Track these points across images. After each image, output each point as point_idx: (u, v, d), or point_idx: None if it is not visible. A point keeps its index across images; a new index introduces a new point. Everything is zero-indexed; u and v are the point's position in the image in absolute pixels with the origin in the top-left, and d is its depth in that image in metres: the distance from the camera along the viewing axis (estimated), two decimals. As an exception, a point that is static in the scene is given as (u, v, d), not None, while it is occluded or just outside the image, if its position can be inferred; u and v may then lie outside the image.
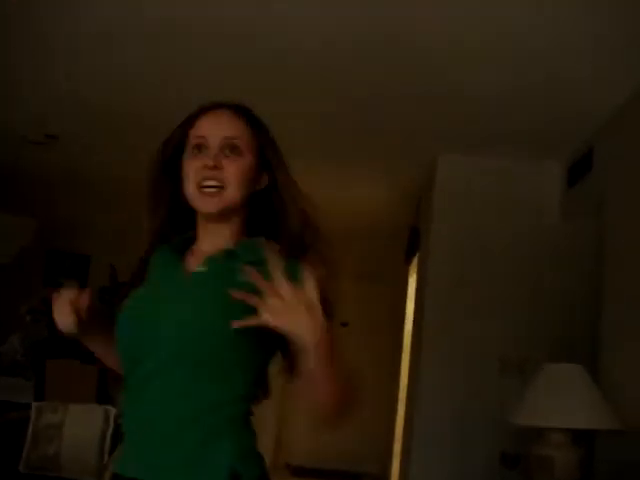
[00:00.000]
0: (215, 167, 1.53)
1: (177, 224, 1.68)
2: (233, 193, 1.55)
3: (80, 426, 3.85)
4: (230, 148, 1.56)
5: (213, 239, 1.59)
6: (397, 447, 6.80)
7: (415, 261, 6.52)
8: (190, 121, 1.62)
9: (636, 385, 3.63)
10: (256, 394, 1.52)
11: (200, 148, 1.56)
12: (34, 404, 4.04)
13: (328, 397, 1.45)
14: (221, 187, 1.53)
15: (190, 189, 1.56)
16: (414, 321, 6.05)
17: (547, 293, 5.25)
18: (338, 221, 8.09)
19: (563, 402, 3.53)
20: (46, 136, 6.09)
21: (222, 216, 1.57)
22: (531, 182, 5.38)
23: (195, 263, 1.57)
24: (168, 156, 1.63)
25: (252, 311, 1.32)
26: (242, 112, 1.63)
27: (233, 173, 1.54)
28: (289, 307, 1.31)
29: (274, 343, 1.48)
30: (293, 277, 1.34)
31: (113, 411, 3.94)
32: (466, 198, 5.42)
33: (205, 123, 1.58)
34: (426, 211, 5.89)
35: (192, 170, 1.55)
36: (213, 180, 1.53)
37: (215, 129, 1.56)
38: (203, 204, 1.55)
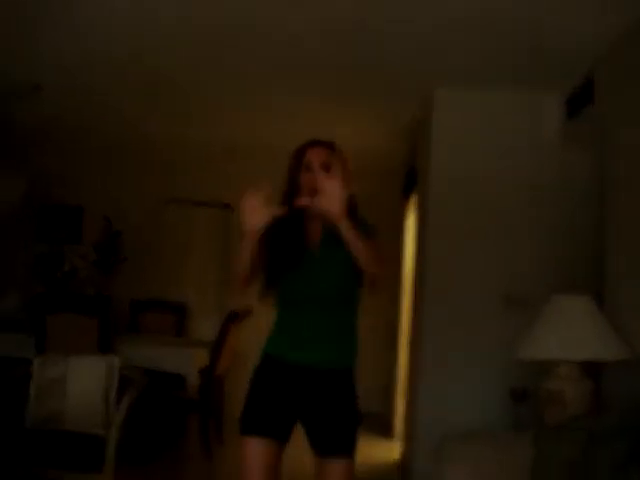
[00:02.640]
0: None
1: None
2: None
3: (84, 378, 3.80)
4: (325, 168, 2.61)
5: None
6: (400, 386, 6.82)
7: (413, 199, 6.44)
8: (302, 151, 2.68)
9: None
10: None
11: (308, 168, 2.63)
12: (36, 358, 3.98)
13: (367, 266, 2.52)
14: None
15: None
16: (416, 260, 6.00)
17: (549, 226, 5.20)
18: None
19: (572, 334, 3.49)
20: (32, 87, 5.94)
21: None
22: (530, 115, 5.27)
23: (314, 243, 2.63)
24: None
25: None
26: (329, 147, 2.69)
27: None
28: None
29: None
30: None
31: (116, 361, 3.88)
32: (464, 133, 5.31)
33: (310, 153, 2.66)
34: (423, 149, 5.79)
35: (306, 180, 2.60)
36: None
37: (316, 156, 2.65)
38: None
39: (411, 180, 6.42)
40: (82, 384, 3.82)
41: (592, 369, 3.75)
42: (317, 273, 2.53)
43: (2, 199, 6.35)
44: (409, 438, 5.54)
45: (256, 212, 2.42)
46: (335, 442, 2.51)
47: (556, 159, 5.21)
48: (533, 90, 5.19)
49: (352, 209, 2.52)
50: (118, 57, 5.23)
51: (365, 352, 8.30)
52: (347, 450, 2.52)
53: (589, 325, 3.51)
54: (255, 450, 2.46)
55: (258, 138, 7.29)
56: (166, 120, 6.97)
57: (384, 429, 7.37)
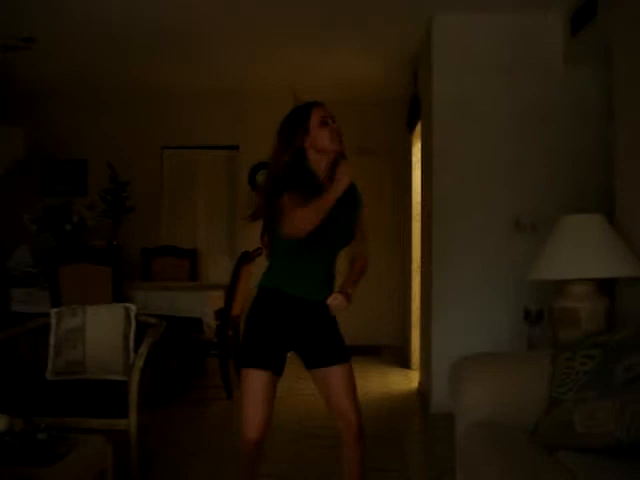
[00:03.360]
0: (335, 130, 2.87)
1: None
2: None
3: (102, 327, 3.83)
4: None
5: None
6: (415, 317, 6.87)
7: (418, 130, 6.37)
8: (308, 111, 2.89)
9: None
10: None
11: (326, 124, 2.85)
12: (53, 310, 4.01)
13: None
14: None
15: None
16: (423, 190, 5.97)
17: (556, 148, 5.16)
18: (334, 93, 7.90)
19: (585, 252, 3.49)
20: (22, 39, 5.86)
21: None
22: (532, 34, 5.19)
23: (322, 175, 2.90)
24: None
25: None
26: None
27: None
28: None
29: None
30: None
31: (133, 308, 3.91)
32: (465, 57, 5.24)
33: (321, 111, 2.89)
34: (425, 77, 5.71)
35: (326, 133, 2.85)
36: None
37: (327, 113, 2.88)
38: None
39: (415, 109, 6.35)
40: (101, 332, 3.85)
41: (606, 287, 3.76)
42: (332, 221, 2.76)
43: (3, 154, 6.31)
44: (426, 366, 5.60)
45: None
46: (334, 353, 2.86)
47: (561, 79, 5.14)
48: (535, 9, 5.08)
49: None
50: (116, 10, 5.17)
51: (380, 288, 8.42)
52: (346, 357, 2.87)
53: (602, 243, 3.50)
54: (256, 382, 2.71)
55: (258, 79, 7.19)
56: (166, 68, 6.90)
57: (402, 361, 7.46)
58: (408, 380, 6.61)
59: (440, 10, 5.17)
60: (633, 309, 3.69)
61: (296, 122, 2.87)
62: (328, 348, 2.87)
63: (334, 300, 2.78)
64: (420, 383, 6.09)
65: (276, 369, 2.76)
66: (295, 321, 2.82)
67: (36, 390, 3.76)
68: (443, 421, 4.71)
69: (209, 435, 4.68)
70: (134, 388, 3.56)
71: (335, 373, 2.83)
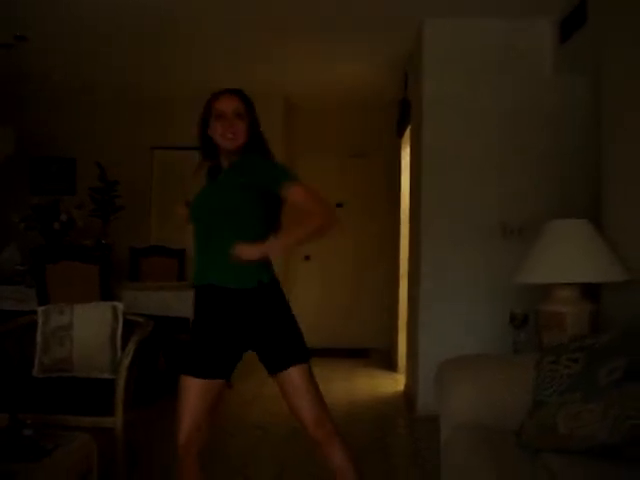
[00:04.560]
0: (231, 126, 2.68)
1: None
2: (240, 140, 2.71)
3: (89, 325, 3.83)
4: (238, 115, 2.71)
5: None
6: (402, 321, 6.89)
7: (407, 133, 6.40)
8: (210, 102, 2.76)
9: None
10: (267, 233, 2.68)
11: (220, 117, 2.70)
12: (40, 308, 4.01)
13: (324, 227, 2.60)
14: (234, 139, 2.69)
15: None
16: (411, 194, 6.00)
17: (544, 154, 5.20)
18: (324, 97, 7.91)
19: (570, 257, 3.52)
20: (15, 37, 5.85)
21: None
22: (522, 40, 5.23)
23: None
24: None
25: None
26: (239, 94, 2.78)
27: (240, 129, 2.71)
28: None
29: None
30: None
31: (120, 306, 3.91)
32: (455, 62, 5.28)
33: (221, 102, 2.73)
34: (415, 81, 5.74)
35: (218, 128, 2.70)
36: (230, 134, 2.69)
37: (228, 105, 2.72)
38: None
39: (405, 113, 6.38)
40: (88, 331, 3.85)
41: (590, 291, 3.79)
42: (214, 196, 2.67)
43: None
44: (412, 369, 5.63)
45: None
46: (286, 354, 2.62)
47: (550, 84, 5.18)
48: (525, 15, 5.13)
49: (261, 147, 2.73)
50: (105, 9, 5.17)
51: (367, 292, 8.45)
52: (298, 359, 2.63)
53: (587, 248, 3.53)
54: (190, 391, 2.62)
55: (249, 81, 7.19)
56: (154, 69, 6.90)
57: (389, 364, 7.48)
58: (395, 383, 6.63)
59: (431, 15, 5.21)
60: (617, 313, 3.72)
61: (203, 111, 2.77)
62: (279, 346, 2.62)
63: (237, 249, 2.51)
64: (406, 386, 6.11)
65: (212, 374, 2.61)
66: (222, 315, 2.61)
67: (23, 387, 3.75)
68: (429, 423, 4.72)
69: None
70: (121, 386, 3.56)
71: (287, 377, 2.62)
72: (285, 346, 2.63)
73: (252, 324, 2.60)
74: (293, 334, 2.66)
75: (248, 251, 2.50)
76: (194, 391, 2.61)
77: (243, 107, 2.72)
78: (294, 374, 2.61)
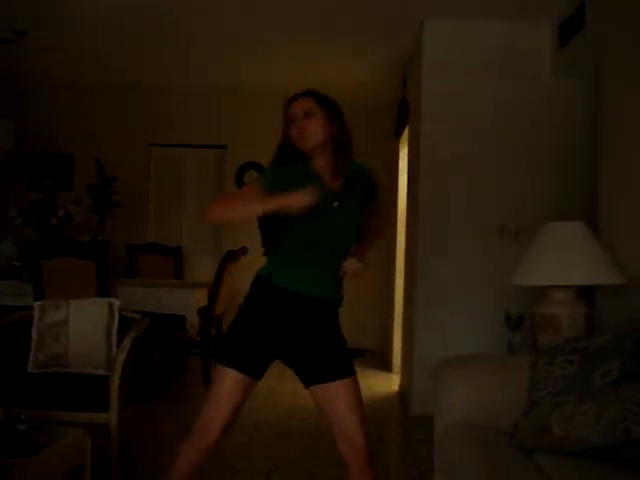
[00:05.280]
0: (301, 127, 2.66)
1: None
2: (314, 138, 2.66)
3: (85, 321, 3.82)
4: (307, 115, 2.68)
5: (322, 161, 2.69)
6: (398, 322, 6.90)
7: (405, 135, 6.41)
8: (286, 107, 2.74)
9: (636, 240, 3.62)
10: None
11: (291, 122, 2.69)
12: (36, 303, 3.99)
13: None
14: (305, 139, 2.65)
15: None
16: (408, 194, 6.00)
17: (542, 157, 5.20)
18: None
19: (566, 259, 3.53)
20: (14, 32, 5.85)
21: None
22: (521, 42, 5.25)
23: (327, 176, 2.67)
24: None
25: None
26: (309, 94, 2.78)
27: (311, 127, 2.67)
28: None
29: None
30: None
31: (116, 303, 3.91)
32: (455, 63, 5.29)
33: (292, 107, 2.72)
34: (414, 81, 5.74)
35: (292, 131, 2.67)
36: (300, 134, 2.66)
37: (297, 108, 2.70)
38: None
39: (403, 114, 6.38)
40: (84, 326, 3.84)
41: (586, 293, 3.80)
42: (338, 222, 2.60)
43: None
44: (407, 369, 5.63)
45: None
46: (338, 365, 2.57)
47: (548, 87, 5.19)
48: (524, 18, 5.14)
49: (347, 150, 2.72)
50: (106, 8, 5.17)
51: (363, 291, 8.44)
52: (351, 369, 2.60)
53: (583, 250, 3.54)
54: (228, 384, 2.51)
55: (248, 79, 7.21)
56: (154, 67, 6.91)
57: (383, 364, 7.49)
58: (390, 383, 6.64)
59: (430, 16, 5.22)
60: (612, 316, 3.73)
61: (283, 120, 2.76)
62: (330, 359, 2.56)
63: (352, 264, 2.57)
64: (401, 386, 6.12)
65: (255, 373, 2.53)
66: (293, 322, 2.53)
67: (17, 382, 3.75)
68: (423, 423, 4.73)
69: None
70: (116, 382, 3.56)
71: (338, 389, 2.53)
72: (338, 357, 2.60)
73: (325, 334, 2.59)
74: (346, 347, 2.66)
75: (359, 268, 2.63)
76: (240, 388, 2.51)
77: (314, 105, 2.71)
78: (351, 385, 2.57)
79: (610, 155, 3.94)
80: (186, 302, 5.56)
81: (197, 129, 7.80)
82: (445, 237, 5.26)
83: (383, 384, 6.61)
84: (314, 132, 2.64)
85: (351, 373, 2.58)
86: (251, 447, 4.46)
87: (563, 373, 2.59)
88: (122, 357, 3.60)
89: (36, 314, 3.91)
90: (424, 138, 5.31)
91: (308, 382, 2.57)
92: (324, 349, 2.57)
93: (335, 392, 2.53)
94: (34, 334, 3.88)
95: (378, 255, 8.21)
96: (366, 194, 2.74)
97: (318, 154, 2.66)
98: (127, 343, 3.65)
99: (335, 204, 2.58)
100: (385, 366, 7.38)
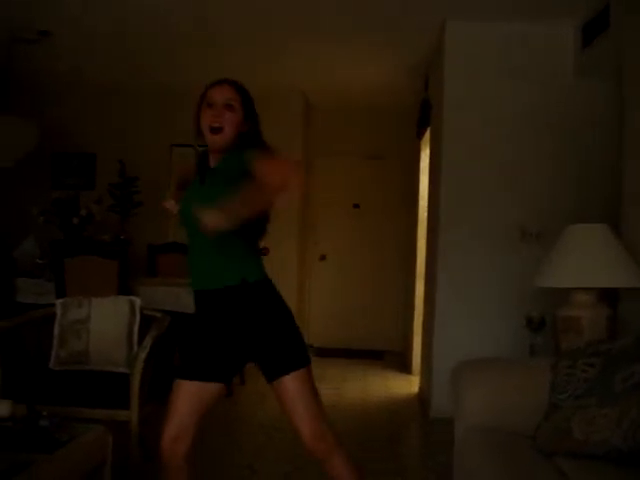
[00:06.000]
0: (219, 115, 2.51)
1: None
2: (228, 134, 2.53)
3: (107, 318, 3.85)
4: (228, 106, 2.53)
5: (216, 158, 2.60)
6: (417, 323, 6.88)
7: (427, 135, 6.39)
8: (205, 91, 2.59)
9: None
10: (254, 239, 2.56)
11: (211, 106, 2.53)
12: (58, 300, 4.03)
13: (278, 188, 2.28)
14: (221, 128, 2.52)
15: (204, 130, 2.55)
16: (430, 196, 5.99)
17: (565, 158, 5.17)
18: (344, 97, 7.91)
19: (589, 262, 3.51)
20: (38, 33, 5.90)
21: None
22: (544, 44, 5.21)
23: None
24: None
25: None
26: (234, 84, 2.60)
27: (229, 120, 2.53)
28: None
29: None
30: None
31: (138, 301, 3.93)
32: (477, 64, 5.26)
33: (213, 91, 2.56)
34: (436, 83, 5.73)
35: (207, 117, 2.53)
36: (217, 123, 2.52)
37: (219, 94, 2.54)
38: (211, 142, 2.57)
39: (425, 115, 6.37)
40: (105, 324, 3.87)
41: (609, 296, 3.77)
42: (198, 199, 2.44)
43: (16, 147, 6.34)
44: (427, 371, 5.61)
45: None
46: (273, 363, 2.46)
47: (570, 88, 5.16)
48: (548, 19, 5.10)
49: (255, 139, 2.54)
50: (133, 9, 5.21)
51: (382, 293, 8.43)
52: (293, 365, 2.45)
53: (606, 253, 3.52)
54: (182, 394, 2.50)
55: (266, 82, 7.23)
56: (175, 67, 6.94)
57: (402, 366, 7.47)
58: (409, 385, 6.62)
59: (453, 17, 5.19)
60: (634, 319, 3.70)
61: (198, 101, 2.60)
62: (271, 353, 2.45)
63: (206, 215, 2.21)
64: (420, 388, 6.10)
65: (206, 376, 2.49)
66: (210, 318, 2.51)
67: (39, 379, 3.78)
68: (443, 426, 4.72)
69: (209, 430, 4.71)
70: (136, 380, 3.58)
71: (281, 385, 2.45)
72: (278, 351, 2.45)
73: (239, 326, 2.46)
74: (288, 338, 2.47)
75: (214, 217, 2.19)
76: (182, 394, 2.49)
77: (237, 98, 2.54)
78: (289, 381, 2.44)
79: (632, 158, 3.90)
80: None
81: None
82: (466, 238, 5.24)
83: (402, 386, 6.59)
84: (230, 128, 2.50)
85: (294, 367, 2.43)
86: (270, 448, 4.46)
87: (585, 376, 2.57)
88: (143, 355, 3.62)
89: (58, 311, 3.95)
90: (446, 139, 5.29)
91: (267, 378, 2.51)
92: (255, 339, 2.45)
93: (280, 390, 2.46)
94: (56, 331, 3.91)
95: (398, 256, 8.22)
96: (239, 172, 2.39)
97: (214, 152, 2.57)
98: (148, 341, 3.67)
99: (197, 186, 2.57)
100: (404, 368, 7.37)
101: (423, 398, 5.75)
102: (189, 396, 2.49)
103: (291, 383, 2.43)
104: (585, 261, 3.50)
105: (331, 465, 2.53)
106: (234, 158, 2.46)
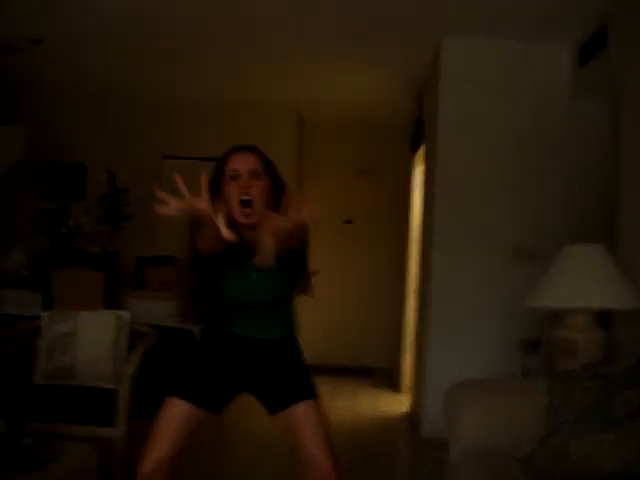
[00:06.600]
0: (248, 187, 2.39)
1: None
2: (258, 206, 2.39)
3: (94, 332, 3.78)
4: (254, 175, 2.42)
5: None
6: (408, 341, 6.83)
7: (420, 152, 6.37)
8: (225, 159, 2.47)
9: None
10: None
11: (235, 178, 2.42)
12: (44, 313, 3.96)
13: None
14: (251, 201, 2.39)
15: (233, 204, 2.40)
16: (423, 212, 5.95)
17: (559, 178, 5.15)
18: (338, 113, 7.89)
19: (584, 283, 3.46)
20: (29, 41, 5.85)
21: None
22: (540, 63, 5.20)
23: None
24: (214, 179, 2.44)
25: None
26: (255, 151, 2.49)
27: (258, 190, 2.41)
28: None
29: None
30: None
31: (126, 315, 3.86)
32: (472, 82, 5.24)
33: (235, 162, 2.45)
34: (431, 99, 5.70)
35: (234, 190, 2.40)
36: (247, 196, 2.39)
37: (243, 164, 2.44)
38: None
39: (418, 132, 6.34)
40: (92, 338, 3.80)
41: (604, 318, 3.73)
42: (256, 292, 2.45)
43: (4, 155, 6.27)
44: (418, 390, 5.55)
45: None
46: (294, 389, 2.48)
47: (567, 107, 5.15)
48: (544, 38, 5.10)
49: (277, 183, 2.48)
50: (121, 23, 5.16)
51: (372, 309, 8.37)
52: (310, 393, 2.49)
53: (602, 274, 3.47)
54: (174, 416, 2.41)
55: (262, 94, 7.20)
56: (166, 78, 6.91)
57: (392, 384, 7.41)
58: (398, 403, 6.55)
59: (448, 34, 5.17)
60: (629, 340, 3.66)
61: (215, 171, 2.47)
62: (286, 386, 2.50)
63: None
64: (411, 407, 6.04)
65: (207, 404, 2.46)
66: (241, 360, 2.52)
67: (23, 394, 3.70)
68: (433, 446, 4.66)
69: (196, 448, 4.63)
70: (123, 396, 3.51)
71: (296, 413, 2.43)
72: (297, 382, 2.51)
73: (266, 369, 2.51)
74: (306, 373, 2.56)
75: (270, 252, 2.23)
76: (172, 415, 2.40)
77: (261, 166, 2.46)
78: (309, 409, 2.44)
79: (628, 178, 3.88)
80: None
81: (210, 142, 7.76)
82: (460, 255, 5.20)
83: (391, 404, 6.52)
84: (259, 198, 2.39)
85: (308, 397, 2.46)
86: (260, 465, 4.39)
87: (583, 399, 2.52)
88: (130, 371, 3.55)
89: (44, 324, 3.87)
90: (440, 156, 5.26)
91: (271, 411, 2.51)
92: (277, 379, 2.51)
93: (294, 418, 2.43)
94: (42, 345, 3.84)
95: (389, 272, 8.17)
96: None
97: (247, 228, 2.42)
98: (136, 357, 3.61)
99: (254, 275, 2.42)
100: (394, 386, 7.30)
101: (414, 417, 5.68)
102: (178, 418, 2.40)
103: (309, 408, 2.44)
104: (582, 282, 3.45)
105: None
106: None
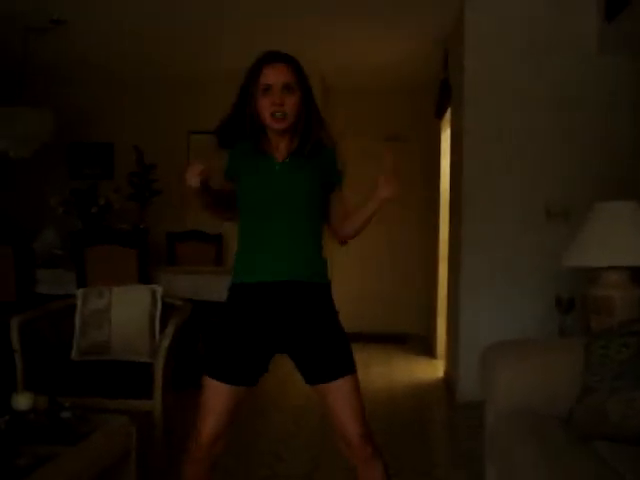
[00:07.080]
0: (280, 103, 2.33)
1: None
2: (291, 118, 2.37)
3: (128, 308, 3.80)
4: (287, 88, 2.35)
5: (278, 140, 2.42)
6: (441, 305, 6.80)
7: (447, 115, 6.28)
8: (256, 70, 2.37)
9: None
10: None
11: (267, 89, 2.34)
12: (79, 290, 3.98)
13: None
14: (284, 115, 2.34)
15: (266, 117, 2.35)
16: (452, 176, 5.89)
17: (588, 136, 5.06)
18: (362, 78, 7.81)
19: (619, 240, 3.41)
20: (51, 21, 5.86)
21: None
22: (567, 17, 5.09)
23: (280, 156, 2.41)
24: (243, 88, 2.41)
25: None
26: (292, 63, 2.40)
27: (291, 105, 2.35)
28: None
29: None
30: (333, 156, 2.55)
31: (159, 289, 3.87)
32: (498, 40, 5.15)
33: (269, 73, 2.35)
34: (456, 60, 5.61)
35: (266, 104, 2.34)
36: (279, 112, 2.33)
37: (276, 77, 2.34)
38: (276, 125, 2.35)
39: (445, 94, 6.25)
40: (127, 314, 3.82)
41: (638, 275, 3.67)
42: (281, 187, 2.37)
43: (33, 137, 6.30)
44: (453, 355, 5.54)
45: (194, 174, 2.24)
46: (332, 367, 2.34)
47: (595, 63, 5.04)
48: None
49: (315, 137, 2.46)
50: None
51: (404, 275, 8.35)
52: (349, 369, 2.35)
53: (636, 230, 3.42)
54: (216, 395, 2.37)
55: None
56: (192, 53, 6.88)
57: (427, 349, 7.40)
58: (433, 369, 6.55)
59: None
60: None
61: (246, 80, 2.39)
62: (326, 356, 2.34)
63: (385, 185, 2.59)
64: (446, 372, 6.03)
65: (244, 381, 2.37)
66: (270, 315, 2.33)
67: (61, 370, 3.75)
68: (470, 410, 4.65)
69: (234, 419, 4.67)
70: (159, 369, 3.53)
71: (335, 389, 2.33)
72: (338, 354, 2.36)
73: (302, 326, 2.34)
74: (347, 342, 2.40)
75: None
76: (214, 394, 2.36)
77: (295, 79, 2.37)
78: (346, 382, 2.33)
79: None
80: (226, 288, 5.51)
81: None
82: (490, 219, 5.14)
83: (427, 370, 6.52)
84: (292, 111, 2.35)
85: (349, 371, 2.34)
86: (296, 435, 4.41)
87: (620, 357, 2.49)
88: (165, 344, 3.57)
89: (79, 302, 3.91)
90: (467, 118, 5.19)
91: (308, 380, 2.39)
92: (313, 341, 2.34)
93: (333, 395, 2.34)
94: (77, 322, 3.87)
95: (419, 238, 8.13)
96: (327, 174, 2.46)
97: (276, 134, 2.40)
98: (170, 330, 3.62)
99: (277, 167, 2.37)
100: (428, 351, 7.29)
101: (449, 382, 5.67)
102: (221, 395, 2.36)
103: (348, 383, 2.33)
104: (615, 239, 3.41)
105: (371, 471, 2.37)
106: (316, 149, 2.44)
